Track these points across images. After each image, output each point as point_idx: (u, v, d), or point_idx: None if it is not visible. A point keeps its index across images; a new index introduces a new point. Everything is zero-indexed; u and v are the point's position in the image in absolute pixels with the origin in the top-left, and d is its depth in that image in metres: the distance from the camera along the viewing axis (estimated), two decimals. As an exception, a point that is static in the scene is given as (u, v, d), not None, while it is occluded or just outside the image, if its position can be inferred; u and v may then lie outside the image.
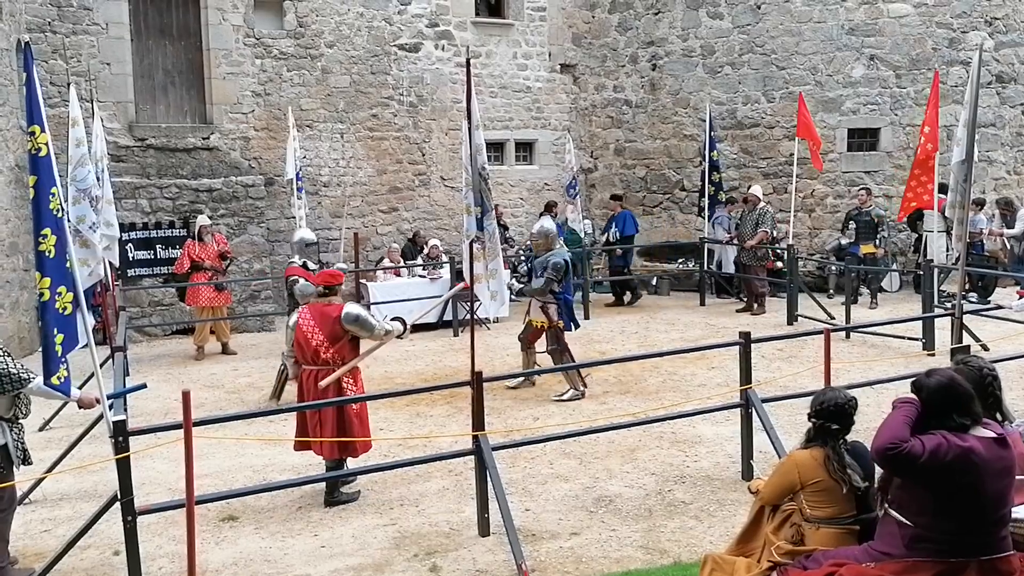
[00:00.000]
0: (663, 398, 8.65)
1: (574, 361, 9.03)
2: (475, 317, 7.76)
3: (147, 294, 12.99)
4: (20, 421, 5.24)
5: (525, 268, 10.16)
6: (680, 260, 16.19)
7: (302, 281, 9.27)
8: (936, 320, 10.21)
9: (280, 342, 12.30)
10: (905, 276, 14.80)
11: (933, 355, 9.65)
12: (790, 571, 4.01)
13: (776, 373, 9.06)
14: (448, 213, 15.80)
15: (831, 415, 4.24)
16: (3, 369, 5.00)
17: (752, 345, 6.48)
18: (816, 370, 6.79)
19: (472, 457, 5.80)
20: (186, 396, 4.57)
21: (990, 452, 3.53)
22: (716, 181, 14.74)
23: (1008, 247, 13.80)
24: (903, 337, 10.35)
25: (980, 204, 14.01)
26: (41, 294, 4.87)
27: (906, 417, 3.63)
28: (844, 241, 14.02)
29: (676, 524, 5.79)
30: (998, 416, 4.02)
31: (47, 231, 4.87)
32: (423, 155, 15.91)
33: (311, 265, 10.01)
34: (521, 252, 14.55)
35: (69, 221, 7.23)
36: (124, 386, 6.44)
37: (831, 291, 14.56)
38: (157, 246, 13.08)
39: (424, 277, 13.63)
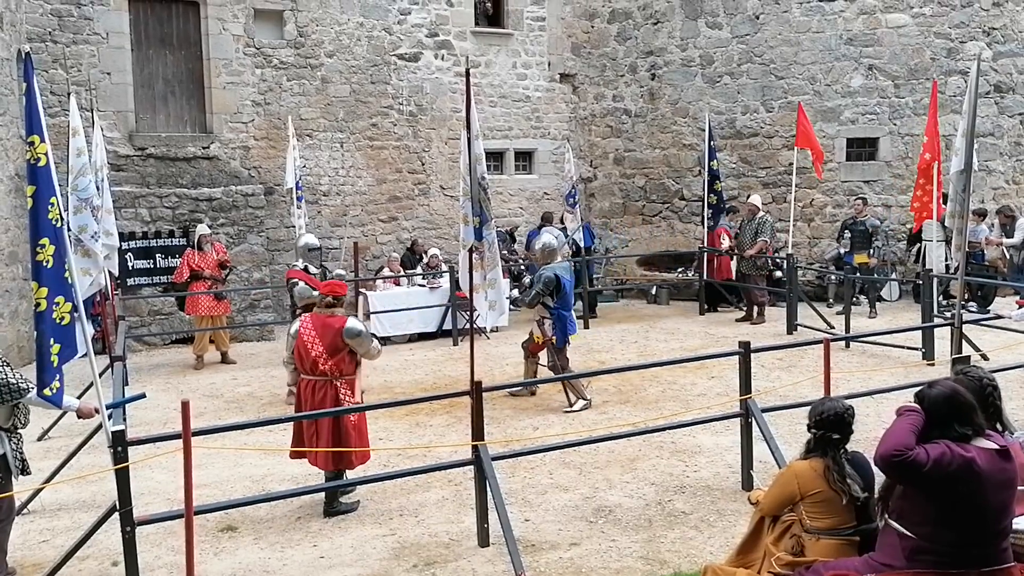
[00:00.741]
0: (663, 408, 8.64)
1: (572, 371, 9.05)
2: (474, 327, 7.75)
3: (146, 303, 12.99)
4: (19, 431, 5.23)
5: (528, 280, 10.14)
6: (680, 269, 16.20)
7: (302, 284, 9.38)
8: (936, 329, 10.20)
9: (279, 350, 12.32)
10: (904, 285, 14.81)
11: (933, 365, 9.64)
12: (790, 582, 4.01)
13: (776, 383, 9.06)
14: (447, 222, 15.81)
15: (831, 425, 4.23)
16: (2, 379, 4.99)
17: (752, 354, 6.48)
18: (816, 380, 6.79)
19: (471, 467, 5.79)
20: (185, 406, 4.56)
21: (992, 464, 3.53)
22: (717, 191, 14.76)
23: (1007, 256, 13.80)
24: (903, 347, 10.35)
25: (982, 214, 14.02)
26: (37, 304, 4.85)
27: (911, 425, 3.62)
28: (842, 250, 14.04)
29: (676, 534, 5.78)
30: (998, 426, 4.02)
31: (45, 241, 4.86)
32: (423, 164, 15.94)
33: (312, 269, 10.13)
34: (522, 262, 14.60)
35: (70, 231, 7.24)
36: (123, 396, 6.42)
37: (831, 300, 14.56)
38: (157, 255, 13.09)
39: (423, 286, 13.63)
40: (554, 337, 9.10)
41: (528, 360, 9.54)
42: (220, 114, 14.12)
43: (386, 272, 14.06)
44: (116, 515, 4.82)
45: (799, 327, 12.35)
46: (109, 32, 13.35)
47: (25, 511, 6.38)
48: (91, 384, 6.83)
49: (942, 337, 9.87)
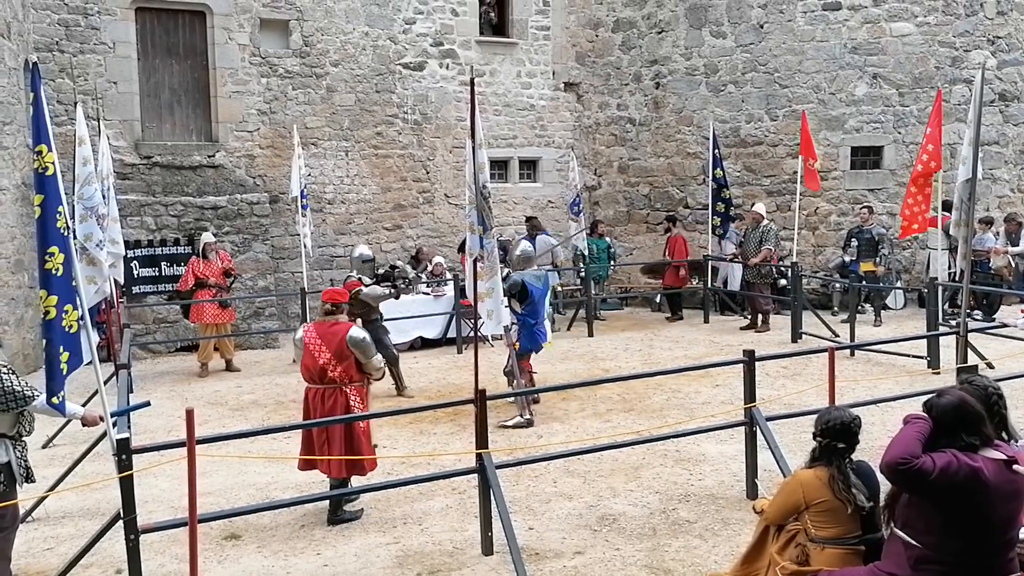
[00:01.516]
0: (667, 416, 8.63)
1: (533, 386, 8.80)
2: (478, 335, 7.76)
3: (151, 311, 13.02)
4: (24, 439, 5.24)
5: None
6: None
7: (365, 290, 9.83)
8: (941, 338, 10.18)
9: (284, 358, 12.35)
10: (910, 294, 14.78)
11: (938, 373, 9.62)
12: (795, 591, 3.99)
13: (780, 391, 9.04)
14: (452, 231, 15.83)
15: (837, 434, 4.22)
16: (8, 386, 5.00)
17: (756, 363, 6.47)
18: (821, 388, 6.78)
19: (475, 475, 5.78)
20: (190, 414, 4.57)
21: (999, 475, 3.51)
22: (726, 199, 14.76)
23: (1013, 265, 13.77)
24: (908, 355, 10.32)
25: (989, 223, 14.01)
26: (47, 312, 4.87)
27: (919, 433, 3.61)
28: (847, 258, 14.03)
29: (680, 543, 5.76)
30: (1004, 435, 4.01)
31: (54, 249, 4.88)
32: (427, 173, 15.97)
33: (367, 281, 10.08)
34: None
35: (76, 239, 7.27)
36: (128, 404, 6.43)
37: (835, 309, 14.54)
38: (162, 263, 13.12)
39: (428, 294, 13.65)
40: (516, 343, 8.87)
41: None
42: (226, 123, 14.18)
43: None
44: (120, 523, 4.83)
45: (804, 335, 12.33)
46: (116, 42, 13.42)
47: (29, 519, 6.39)
48: (96, 392, 6.85)
49: (947, 346, 9.85)
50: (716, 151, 14.74)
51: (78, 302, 5.09)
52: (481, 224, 7.32)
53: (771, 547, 4.31)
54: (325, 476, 6.54)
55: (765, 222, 13.81)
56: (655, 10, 16.33)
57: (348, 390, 6.41)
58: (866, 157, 15.40)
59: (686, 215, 16.44)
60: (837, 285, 14.54)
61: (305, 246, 12.95)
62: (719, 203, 14.72)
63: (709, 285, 14.89)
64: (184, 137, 14.14)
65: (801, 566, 4.13)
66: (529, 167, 17.09)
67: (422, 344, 13.24)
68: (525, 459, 6.55)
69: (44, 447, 8.35)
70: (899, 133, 15.18)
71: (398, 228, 15.79)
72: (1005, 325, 9.20)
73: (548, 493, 6.75)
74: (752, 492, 6.33)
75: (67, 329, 4.93)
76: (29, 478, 5.24)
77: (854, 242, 13.88)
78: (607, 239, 15.48)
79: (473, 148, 7.20)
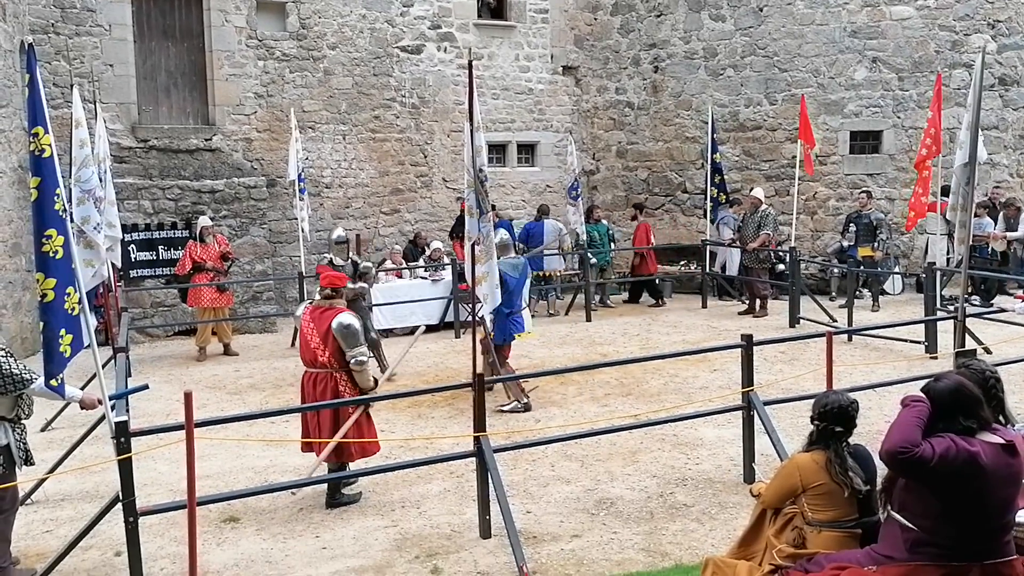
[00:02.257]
0: (665, 400, 8.65)
1: (511, 373, 8.78)
2: (476, 319, 7.76)
3: (149, 295, 13.00)
4: (23, 422, 5.25)
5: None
6: (682, 262, 16.18)
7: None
8: (939, 323, 10.19)
9: (282, 342, 12.35)
10: (908, 279, 14.79)
11: (936, 358, 9.63)
12: (792, 574, 4.01)
13: (778, 376, 9.06)
14: (450, 215, 15.80)
15: (834, 418, 4.23)
16: (6, 370, 5.00)
17: (754, 348, 6.47)
18: (818, 373, 6.78)
19: (473, 459, 5.80)
20: (188, 397, 4.57)
21: (997, 459, 3.52)
22: (718, 183, 14.75)
23: (1013, 250, 13.78)
24: (905, 340, 10.34)
25: (986, 207, 14.00)
26: (44, 295, 4.85)
27: (917, 419, 3.61)
28: (846, 243, 14.02)
29: (677, 527, 5.79)
30: (1002, 419, 4.02)
31: (52, 232, 4.85)
32: (425, 157, 15.92)
33: (338, 262, 10.16)
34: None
35: (73, 222, 7.25)
36: (126, 387, 6.44)
37: (833, 294, 14.55)
38: (159, 247, 13.10)
39: (426, 279, 13.64)
40: (491, 333, 8.78)
41: (484, 356, 9.43)
42: (223, 106, 14.12)
43: (388, 264, 14.07)
44: (119, 505, 4.84)
45: (802, 320, 12.34)
46: (112, 24, 13.33)
47: (29, 501, 6.40)
48: (94, 375, 6.84)
49: (945, 331, 9.86)
50: (714, 135, 14.71)
51: (77, 285, 5.08)
52: (478, 207, 7.31)
53: (768, 530, 4.32)
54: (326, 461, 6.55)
55: (764, 207, 13.79)
56: (654, -7, 16.25)
57: (338, 375, 6.36)
58: (865, 142, 15.37)
59: (684, 199, 16.43)
60: (835, 270, 14.55)
61: (303, 230, 12.92)
62: (712, 188, 14.70)
63: (707, 270, 14.88)
64: (181, 120, 14.08)
65: (798, 549, 4.15)
66: (527, 151, 17.04)
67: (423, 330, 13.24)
68: (523, 443, 6.56)
69: (43, 430, 8.35)
70: (898, 117, 15.14)
71: (396, 212, 15.76)
72: (1003, 310, 9.21)
73: (546, 477, 6.77)
74: (749, 476, 6.35)
75: (70, 311, 4.91)
76: (28, 460, 5.25)
77: (852, 227, 13.87)
78: (605, 223, 15.44)
79: (471, 132, 7.17)
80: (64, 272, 4.90)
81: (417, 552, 5.54)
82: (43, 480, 6.48)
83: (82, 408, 5.50)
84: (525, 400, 8.68)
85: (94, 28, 13.25)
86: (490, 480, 5.57)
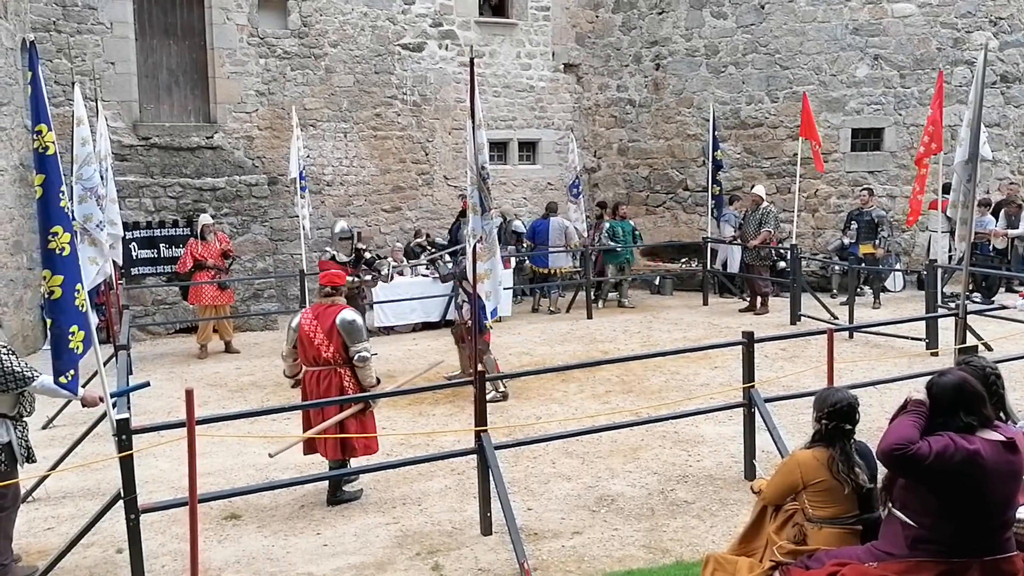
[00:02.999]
0: (666, 397, 8.65)
1: (495, 363, 9.06)
2: (477, 316, 7.76)
3: (150, 293, 13.02)
4: (24, 419, 5.26)
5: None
6: (683, 260, 16.18)
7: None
8: (940, 320, 10.19)
9: (282, 341, 12.31)
10: (909, 276, 14.78)
11: (936, 355, 9.63)
12: (792, 571, 4.01)
13: (779, 373, 9.06)
14: (451, 212, 15.79)
15: (844, 416, 4.23)
16: (8, 367, 5.01)
17: (755, 345, 6.47)
18: (819, 370, 6.78)
19: (474, 456, 5.80)
20: (189, 394, 4.58)
21: (997, 456, 3.52)
22: (719, 181, 14.75)
23: (1015, 247, 13.76)
24: (906, 337, 10.34)
25: (988, 204, 13.98)
26: (51, 292, 4.87)
27: (915, 419, 3.63)
28: (847, 241, 14.01)
29: (678, 523, 5.79)
30: (1002, 415, 4.02)
31: (58, 229, 4.87)
32: (426, 154, 15.92)
33: (342, 257, 10.11)
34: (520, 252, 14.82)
35: (75, 219, 7.26)
36: (127, 384, 6.44)
37: (834, 291, 14.54)
38: (160, 245, 13.10)
39: (427, 276, 13.64)
40: (468, 321, 8.89)
41: (459, 347, 9.56)
42: (224, 104, 14.12)
43: (390, 262, 14.06)
44: (120, 503, 4.85)
45: (803, 317, 12.34)
46: (113, 22, 13.33)
47: (30, 499, 6.42)
48: (95, 373, 6.85)
49: (946, 328, 9.86)
50: (715, 133, 14.70)
51: (83, 282, 5.11)
52: (480, 205, 7.31)
53: (769, 527, 4.33)
54: (324, 457, 6.56)
55: (765, 204, 13.78)
56: (655, -10, 16.24)
57: (343, 371, 6.40)
58: (867, 139, 15.35)
59: (686, 197, 16.42)
60: (836, 267, 14.54)
61: (304, 228, 12.91)
62: (715, 185, 14.70)
63: (708, 267, 14.88)
64: (182, 118, 14.08)
65: (798, 545, 4.15)
66: (528, 149, 17.03)
67: (422, 326, 13.26)
68: (524, 440, 6.57)
69: (44, 428, 8.37)
70: (900, 115, 15.12)
71: (397, 210, 15.76)
72: (1004, 307, 9.20)
73: (547, 474, 6.78)
74: (750, 473, 6.35)
75: (80, 308, 4.94)
76: (30, 458, 5.26)
77: (854, 224, 13.86)
78: (631, 221, 15.32)
79: (473, 129, 7.17)
80: (72, 269, 4.93)
81: (418, 549, 5.54)
82: (44, 477, 6.49)
83: (83, 405, 5.51)
84: (503, 389, 8.77)
85: (95, 26, 13.25)
86: (491, 477, 5.57)
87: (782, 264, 14.17)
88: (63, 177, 5.03)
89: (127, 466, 4.78)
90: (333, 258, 10.12)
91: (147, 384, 6.28)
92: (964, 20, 15.01)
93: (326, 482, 6.38)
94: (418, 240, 14.73)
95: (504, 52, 16.43)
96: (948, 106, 13.44)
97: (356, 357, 6.34)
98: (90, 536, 5.31)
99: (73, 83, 9.47)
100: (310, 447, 6.55)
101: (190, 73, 14.07)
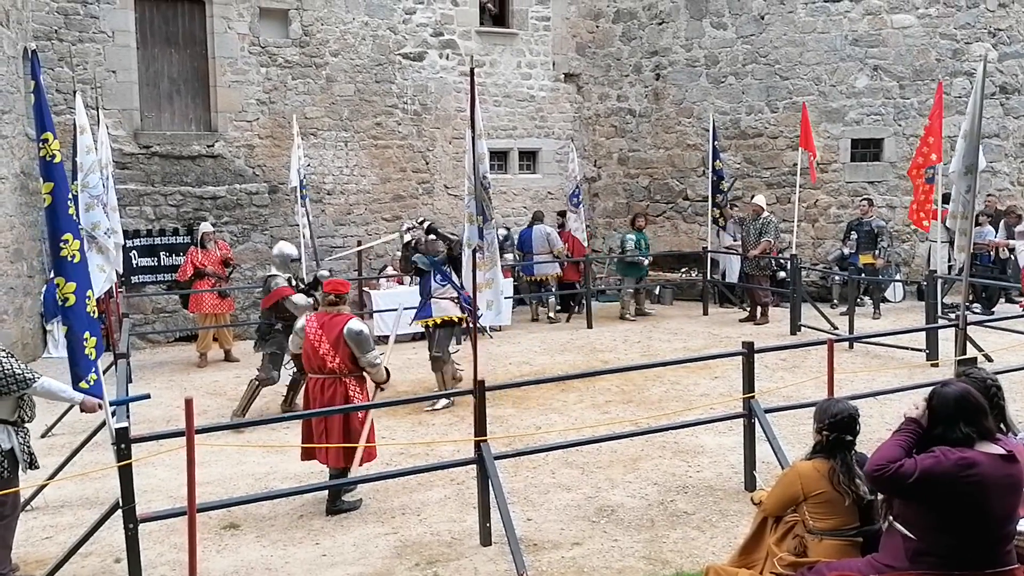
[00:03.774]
0: (666, 408, 8.64)
1: (454, 371, 9.41)
2: (477, 326, 7.76)
3: (150, 301, 13.02)
4: (25, 425, 5.25)
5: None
6: (683, 269, 16.18)
7: (293, 298, 8.89)
8: (940, 331, 10.18)
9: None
10: (909, 286, 14.79)
11: (937, 366, 9.63)
12: (793, 583, 4.00)
13: (779, 383, 9.05)
14: (452, 222, 15.78)
15: (845, 427, 4.23)
16: (8, 369, 5.00)
17: (755, 355, 6.47)
18: (819, 380, 6.78)
19: (474, 466, 5.79)
20: (189, 403, 4.57)
21: (997, 469, 3.51)
22: (723, 190, 14.77)
23: (1013, 259, 13.78)
24: (907, 348, 10.33)
25: (988, 215, 14.01)
26: (65, 299, 4.96)
27: (902, 438, 3.63)
28: (847, 251, 14.03)
29: (678, 534, 5.78)
30: (1003, 426, 4.02)
31: (69, 236, 4.98)
32: (427, 163, 15.94)
33: (295, 282, 9.45)
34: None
35: (82, 227, 7.28)
36: (127, 393, 6.44)
37: (834, 301, 14.54)
38: (161, 253, 13.11)
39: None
40: (467, 315, 8.93)
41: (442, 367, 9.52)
42: (225, 113, 14.14)
43: (389, 271, 14.07)
44: (119, 512, 4.84)
45: (803, 328, 12.34)
46: (115, 31, 13.36)
47: (28, 507, 6.40)
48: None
49: (946, 338, 9.86)
50: (715, 143, 14.73)
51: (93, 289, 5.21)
52: (481, 214, 7.32)
53: (769, 538, 4.32)
54: (324, 466, 6.55)
55: (765, 214, 13.79)
56: (656, 1, 16.28)
57: (348, 381, 6.42)
58: (866, 149, 15.38)
59: (686, 207, 16.44)
60: (836, 277, 14.54)
61: (304, 236, 12.93)
62: (718, 195, 14.72)
63: (708, 277, 14.88)
64: (183, 127, 14.10)
65: (799, 557, 4.15)
66: (529, 158, 17.06)
67: (421, 336, 13.22)
68: (524, 450, 6.56)
69: (43, 436, 8.35)
70: (899, 125, 15.16)
71: (397, 219, 15.74)
72: (1005, 318, 9.20)
73: (546, 484, 6.77)
74: (750, 484, 6.34)
75: (91, 314, 5.04)
76: (32, 464, 5.25)
77: (853, 235, 13.88)
78: (646, 232, 15.30)
79: (473, 139, 7.19)
80: (83, 275, 5.03)
81: (417, 559, 5.53)
82: (43, 486, 6.48)
83: (82, 411, 5.49)
84: (446, 402, 8.87)
85: (97, 35, 13.28)
86: (491, 487, 5.56)
87: (782, 274, 14.17)
88: (68, 185, 5.09)
89: (126, 475, 4.78)
90: (289, 281, 9.29)
91: (147, 396, 6.27)
92: (963, 31, 15.06)
93: (325, 492, 6.36)
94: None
95: (504, 62, 16.47)
96: (947, 117, 13.48)
97: (367, 364, 6.44)
98: (88, 545, 5.30)
99: (75, 91, 9.50)
100: (308, 454, 6.55)
101: (191, 82, 14.10)
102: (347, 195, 15.16)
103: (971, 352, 8.67)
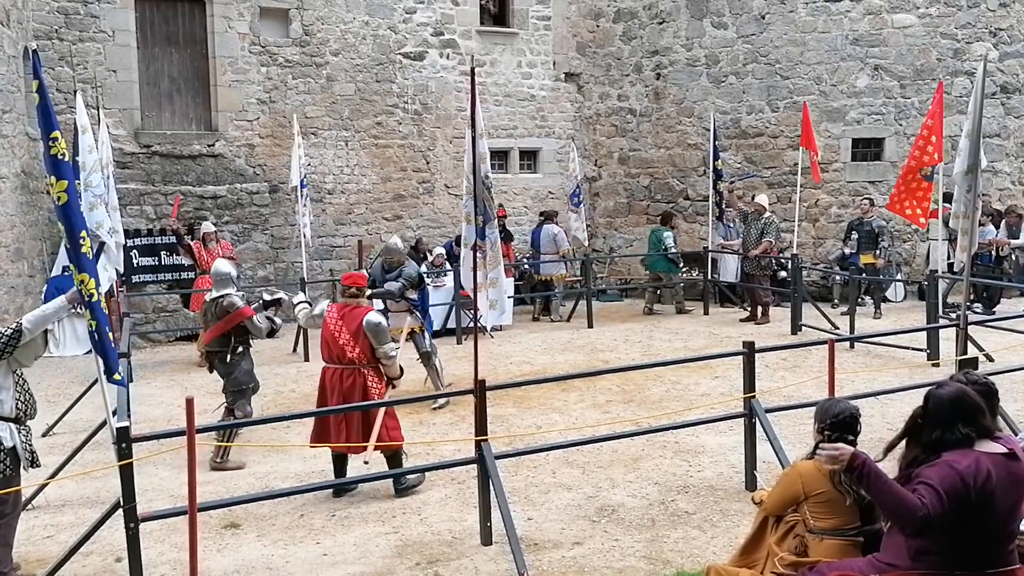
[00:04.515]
0: (666, 407, 8.64)
1: (440, 368, 9.52)
2: (478, 325, 7.76)
3: (151, 300, 13.02)
4: (27, 423, 5.24)
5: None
6: (684, 269, 16.17)
7: (257, 317, 7.94)
8: (941, 330, 10.18)
9: (283, 347, 12.31)
10: (910, 286, 14.78)
11: (938, 365, 9.62)
12: (794, 582, 4.00)
13: (780, 383, 9.05)
14: (452, 221, 15.80)
15: (847, 427, 4.22)
16: None
17: (756, 355, 6.47)
18: (820, 380, 6.78)
19: (475, 465, 5.79)
20: (189, 403, 4.57)
21: (999, 468, 3.50)
22: (721, 191, 14.78)
23: (1014, 258, 13.78)
24: (907, 347, 10.32)
25: (989, 214, 13.99)
26: (91, 295, 5.03)
27: (890, 486, 3.55)
28: (847, 251, 14.02)
29: (679, 534, 5.77)
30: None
31: (84, 233, 5.06)
32: (427, 163, 15.94)
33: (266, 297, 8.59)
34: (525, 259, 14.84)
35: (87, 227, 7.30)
36: (127, 395, 6.42)
37: (835, 301, 14.54)
38: (161, 252, 13.11)
39: (428, 285, 13.61)
40: (422, 324, 9.43)
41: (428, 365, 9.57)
42: (225, 112, 14.14)
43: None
44: (120, 511, 4.84)
45: (803, 327, 12.33)
46: (115, 30, 13.37)
47: (29, 506, 6.40)
48: (95, 381, 6.85)
49: (947, 338, 9.86)
50: (716, 142, 14.73)
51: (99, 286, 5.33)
52: (483, 214, 7.32)
53: (770, 538, 4.32)
54: (324, 467, 6.57)
55: (767, 214, 13.78)
56: (656, 0, 16.28)
57: (367, 371, 6.57)
58: (867, 149, 15.38)
59: (686, 206, 16.44)
60: (837, 277, 14.54)
61: (305, 236, 12.94)
62: (715, 194, 14.72)
63: (709, 276, 14.88)
64: (184, 126, 14.11)
65: (800, 557, 4.14)
66: (529, 158, 17.06)
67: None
68: (524, 449, 6.56)
69: (44, 435, 8.35)
70: (900, 125, 15.15)
71: (398, 218, 15.77)
72: (1006, 317, 9.20)
73: (547, 483, 6.76)
74: (751, 483, 6.34)
75: (105, 311, 5.22)
76: (35, 462, 5.25)
77: (854, 234, 13.87)
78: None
79: (473, 138, 7.19)
80: (96, 271, 5.14)
81: (418, 559, 5.53)
82: (44, 485, 6.48)
83: (68, 303, 5.27)
84: (442, 403, 8.94)
85: (97, 34, 13.29)
86: (491, 486, 5.56)
87: (783, 274, 14.17)
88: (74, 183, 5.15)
89: (127, 474, 4.77)
90: (250, 305, 8.12)
91: (124, 382, 6.14)
92: (964, 31, 15.06)
93: (327, 491, 6.40)
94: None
95: (505, 61, 16.47)
96: (948, 116, 13.46)
97: (383, 355, 6.60)
98: (89, 545, 5.30)
99: (75, 91, 9.50)
100: (319, 439, 6.62)
101: (191, 81, 14.11)
102: (347, 195, 15.17)
103: (972, 352, 8.67)
